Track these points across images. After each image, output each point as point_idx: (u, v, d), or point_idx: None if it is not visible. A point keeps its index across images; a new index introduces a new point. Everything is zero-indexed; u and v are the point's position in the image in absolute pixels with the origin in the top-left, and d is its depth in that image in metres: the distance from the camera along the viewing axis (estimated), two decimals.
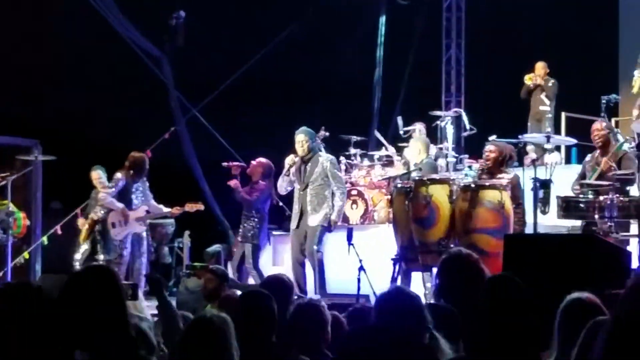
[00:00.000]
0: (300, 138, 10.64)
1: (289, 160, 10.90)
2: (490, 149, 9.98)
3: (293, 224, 10.81)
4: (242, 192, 11.68)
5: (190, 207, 11.62)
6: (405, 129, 13.12)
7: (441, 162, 12.36)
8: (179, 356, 4.00)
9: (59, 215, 13.88)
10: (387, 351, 4.06)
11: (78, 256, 12.10)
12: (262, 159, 11.74)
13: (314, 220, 10.44)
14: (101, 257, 11.86)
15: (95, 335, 3.50)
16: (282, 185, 11.00)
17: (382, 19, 15.97)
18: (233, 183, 11.72)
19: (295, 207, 10.78)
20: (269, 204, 11.77)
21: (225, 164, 12.16)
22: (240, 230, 11.76)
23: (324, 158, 10.73)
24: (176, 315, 7.33)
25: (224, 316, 4.01)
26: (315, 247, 10.40)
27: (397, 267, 9.67)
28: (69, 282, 3.75)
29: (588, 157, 10.33)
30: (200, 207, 11.72)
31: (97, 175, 12.23)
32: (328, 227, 10.49)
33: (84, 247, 12.08)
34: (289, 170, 10.89)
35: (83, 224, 12.09)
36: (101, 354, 3.50)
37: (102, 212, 11.81)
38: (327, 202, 10.49)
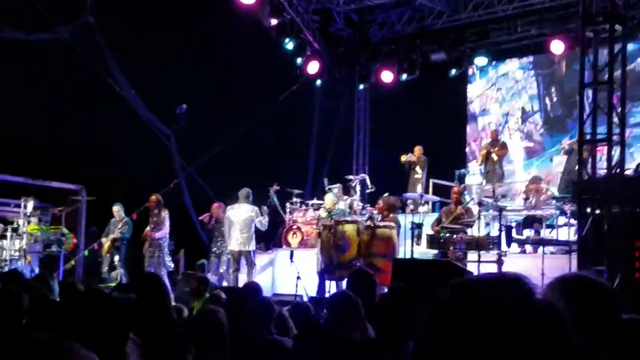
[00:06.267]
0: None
1: None
2: (379, 203, 10.27)
3: None
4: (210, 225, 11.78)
5: None
6: (329, 186, 13.25)
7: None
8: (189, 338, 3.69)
9: (95, 236, 13.68)
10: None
11: (105, 267, 11.92)
12: (216, 204, 11.82)
13: None
14: (117, 263, 11.77)
15: (147, 321, 3.24)
16: None
17: (316, 116, 16.08)
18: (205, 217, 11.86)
19: None
20: None
21: (200, 218, 12.23)
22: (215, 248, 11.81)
23: None
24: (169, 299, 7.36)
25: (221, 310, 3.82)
26: None
27: (322, 277, 9.83)
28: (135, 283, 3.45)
29: (444, 208, 10.56)
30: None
31: (117, 209, 12.19)
32: None
33: (107, 259, 11.93)
34: None
35: (105, 242, 12.02)
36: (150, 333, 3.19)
37: (119, 234, 11.79)
38: None
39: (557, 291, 1.80)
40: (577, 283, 1.82)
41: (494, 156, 13.19)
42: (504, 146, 13.45)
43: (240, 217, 11.03)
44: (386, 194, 10.97)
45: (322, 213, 11.33)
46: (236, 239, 10.92)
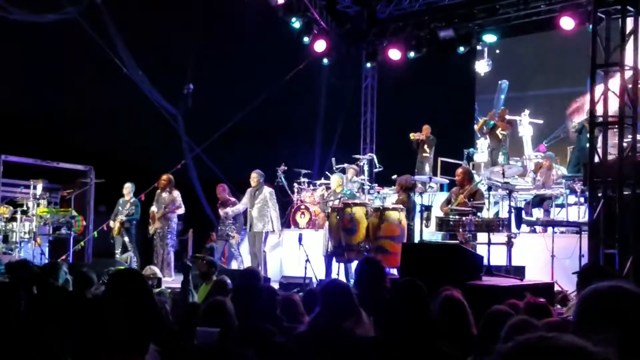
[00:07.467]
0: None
1: None
2: (397, 185, 10.21)
3: None
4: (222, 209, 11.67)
5: None
6: (337, 166, 13.17)
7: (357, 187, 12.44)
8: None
9: (104, 216, 13.66)
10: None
11: (118, 250, 11.84)
12: (219, 186, 11.71)
13: None
14: (128, 245, 11.68)
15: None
16: None
17: (323, 95, 15.94)
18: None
19: None
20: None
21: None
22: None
23: None
24: (189, 291, 7.33)
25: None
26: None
27: (329, 260, 9.81)
28: (109, 281, 2.99)
29: (454, 188, 10.44)
30: None
31: (128, 186, 12.08)
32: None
33: (118, 240, 11.81)
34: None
35: (114, 224, 11.93)
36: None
37: (125, 217, 11.71)
38: None
39: (593, 307, 1.67)
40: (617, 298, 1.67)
41: (499, 133, 13.04)
42: (509, 122, 13.33)
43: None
44: (394, 176, 10.88)
45: (322, 192, 11.23)
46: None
